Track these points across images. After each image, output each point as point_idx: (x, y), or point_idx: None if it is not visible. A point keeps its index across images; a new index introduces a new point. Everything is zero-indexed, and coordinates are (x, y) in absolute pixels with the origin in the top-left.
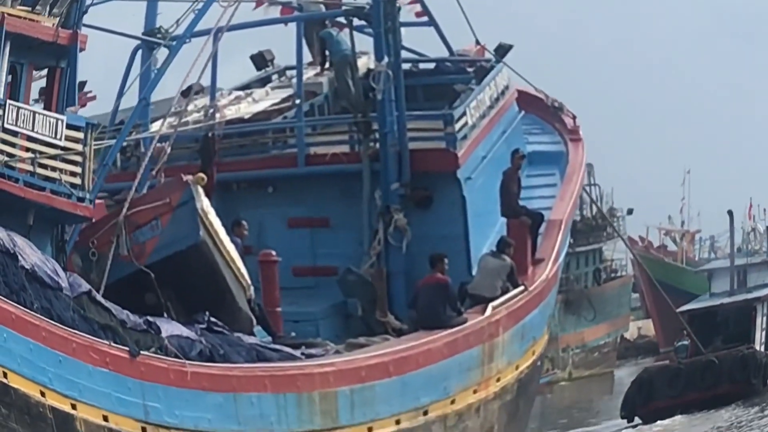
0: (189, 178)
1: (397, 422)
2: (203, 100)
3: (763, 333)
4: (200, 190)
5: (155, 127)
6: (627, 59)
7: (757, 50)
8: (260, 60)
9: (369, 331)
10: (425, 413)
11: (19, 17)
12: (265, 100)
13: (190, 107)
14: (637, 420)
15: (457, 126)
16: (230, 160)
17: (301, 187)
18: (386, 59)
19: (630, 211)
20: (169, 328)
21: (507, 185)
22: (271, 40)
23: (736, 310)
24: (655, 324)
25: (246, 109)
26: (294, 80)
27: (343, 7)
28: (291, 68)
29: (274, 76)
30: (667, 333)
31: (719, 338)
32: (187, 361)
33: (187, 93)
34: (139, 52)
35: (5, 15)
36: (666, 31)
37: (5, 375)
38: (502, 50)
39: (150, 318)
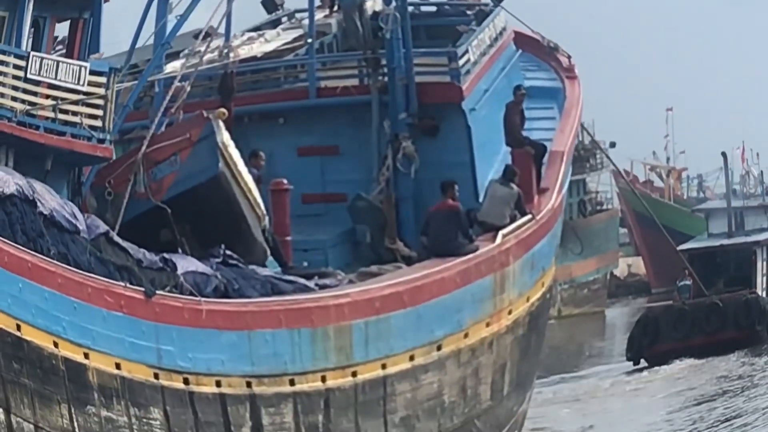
0: (211, 113)
1: (411, 358)
2: (217, 42)
3: (765, 278)
4: (221, 124)
5: (170, 67)
6: None
7: None
8: (270, 4)
9: (378, 259)
10: (439, 348)
11: None
12: (276, 40)
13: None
14: (643, 363)
15: (461, 62)
16: (243, 94)
17: (311, 117)
18: (393, 2)
19: (612, 145)
20: (185, 264)
21: (510, 116)
22: None
23: (736, 252)
24: (645, 262)
25: (258, 48)
26: (303, 22)
27: None
28: (300, 11)
29: (284, 19)
30: (658, 272)
31: (721, 280)
32: (202, 299)
33: (205, 36)
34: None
35: None
36: None
37: (19, 327)
38: None
39: (166, 255)
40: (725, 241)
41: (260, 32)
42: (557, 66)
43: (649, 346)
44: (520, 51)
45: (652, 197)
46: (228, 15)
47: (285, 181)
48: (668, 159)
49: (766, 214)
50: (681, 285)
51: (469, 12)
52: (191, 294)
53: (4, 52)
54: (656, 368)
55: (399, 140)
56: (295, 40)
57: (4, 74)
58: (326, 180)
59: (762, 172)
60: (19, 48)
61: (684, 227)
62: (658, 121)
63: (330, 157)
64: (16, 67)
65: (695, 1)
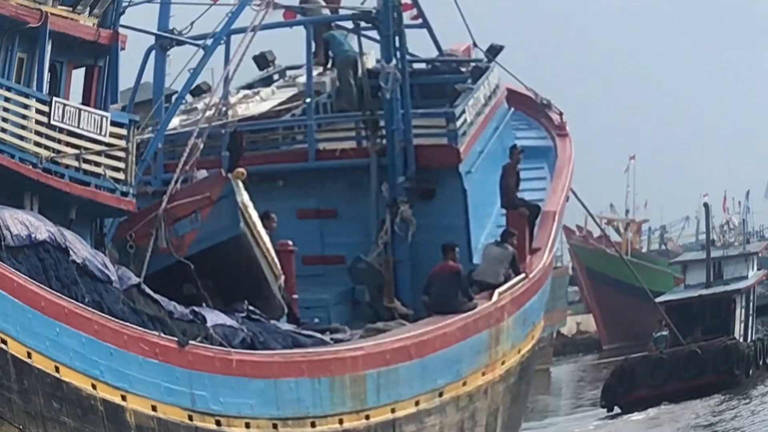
0: (235, 171)
1: (417, 403)
2: (213, 99)
3: (742, 325)
4: (240, 184)
5: (175, 122)
6: (569, 37)
7: (710, 33)
8: (262, 61)
9: (376, 316)
10: (441, 395)
11: (62, 17)
12: (271, 99)
13: (200, 105)
14: (617, 410)
15: (458, 123)
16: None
17: (310, 180)
18: (394, 61)
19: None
20: (213, 317)
21: (506, 179)
22: (269, 41)
23: (714, 301)
24: (596, 319)
25: (255, 107)
26: (297, 80)
27: (351, 11)
28: (291, 68)
29: (276, 76)
30: (609, 329)
31: (698, 329)
32: (232, 350)
33: (198, 92)
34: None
35: (48, 14)
36: (614, 8)
37: (57, 369)
38: (494, 50)
39: (195, 308)
40: (703, 291)
41: (255, 90)
42: (548, 124)
43: (625, 394)
44: (512, 109)
45: (608, 253)
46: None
47: (290, 242)
48: (627, 211)
49: (746, 262)
50: (657, 336)
51: (463, 69)
52: (221, 345)
53: (26, 95)
54: (632, 413)
55: (397, 205)
56: (290, 99)
57: (27, 117)
58: (325, 242)
59: (744, 220)
60: (40, 92)
61: (648, 282)
62: (617, 171)
63: (328, 219)
64: (38, 111)
65: (653, 51)
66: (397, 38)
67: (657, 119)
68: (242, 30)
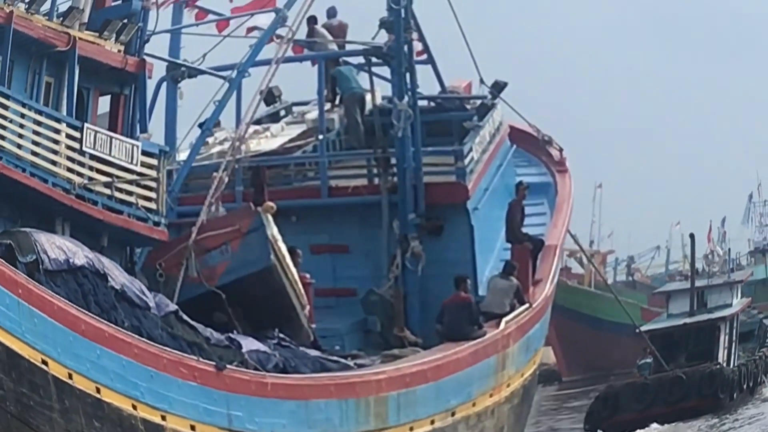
0: (264, 205)
1: (432, 422)
2: (223, 133)
3: (726, 351)
4: (270, 218)
5: (183, 155)
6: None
7: (675, 54)
8: (269, 96)
9: (387, 345)
10: (453, 414)
11: (89, 42)
12: (281, 135)
13: (211, 140)
14: None
15: (466, 161)
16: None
17: (323, 216)
18: (406, 98)
19: None
20: (248, 343)
21: (512, 214)
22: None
23: (697, 329)
24: (556, 352)
25: (266, 143)
26: (306, 116)
27: (362, 47)
28: (297, 104)
29: (283, 112)
30: (570, 361)
31: (682, 357)
32: (266, 373)
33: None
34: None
35: (76, 38)
36: (577, 27)
37: (98, 390)
38: (498, 87)
39: (231, 335)
40: (688, 320)
41: (265, 126)
42: (548, 160)
43: (609, 418)
44: (514, 146)
45: (569, 285)
46: (238, 102)
47: (308, 275)
48: (592, 242)
49: (730, 291)
50: (641, 363)
51: (468, 106)
52: (255, 369)
53: (57, 120)
54: None
55: (408, 240)
56: (299, 136)
57: (58, 142)
58: (337, 276)
59: (729, 249)
60: (70, 117)
61: (611, 315)
62: (582, 200)
63: (340, 254)
64: (69, 137)
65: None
66: (407, 75)
67: (624, 147)
68: (263, 63)
